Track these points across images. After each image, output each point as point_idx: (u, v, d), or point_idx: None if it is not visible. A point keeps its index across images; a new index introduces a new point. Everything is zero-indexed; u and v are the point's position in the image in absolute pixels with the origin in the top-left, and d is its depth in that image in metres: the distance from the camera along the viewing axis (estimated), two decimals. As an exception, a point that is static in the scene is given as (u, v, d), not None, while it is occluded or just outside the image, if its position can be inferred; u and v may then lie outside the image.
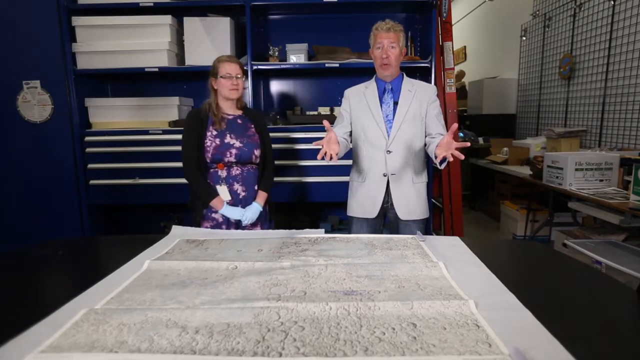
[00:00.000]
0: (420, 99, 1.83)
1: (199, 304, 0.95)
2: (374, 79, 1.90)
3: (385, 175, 1.83)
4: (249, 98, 2.72)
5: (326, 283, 1.08)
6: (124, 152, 2.73)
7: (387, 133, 1.81)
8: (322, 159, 1.53)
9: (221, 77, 1.80)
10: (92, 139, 2.75)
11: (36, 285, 1.17)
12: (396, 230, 1.89)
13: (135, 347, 0.77)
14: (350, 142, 1.92)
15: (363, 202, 1.87)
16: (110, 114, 2.84)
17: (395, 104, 1.83)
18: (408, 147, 1.81)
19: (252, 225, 1.89)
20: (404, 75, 1.90)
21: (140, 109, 2.85)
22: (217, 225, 1.85)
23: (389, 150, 1.81)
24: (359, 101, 1.87)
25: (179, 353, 0.75)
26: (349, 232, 1.93)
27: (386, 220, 1.95)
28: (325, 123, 1.58)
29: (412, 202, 1.85)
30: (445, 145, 1.50)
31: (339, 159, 1.69)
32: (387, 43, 1.76)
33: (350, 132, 1.91)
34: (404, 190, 1.83)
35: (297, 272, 1.16)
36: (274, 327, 0.84)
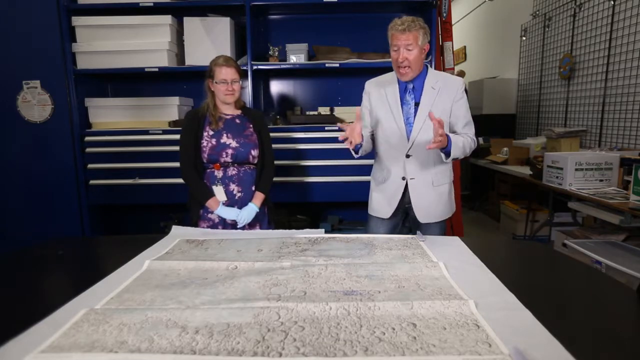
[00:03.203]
0: (444, 98, 1.69)
1: (199, 304, 0.95)
2: (395, 74, 1.75)
3: (404, 179, 1.74)
4: (249, 98, 2.72)
5: (326, 283, 1.08)
6: (124, 152, 2.73)
7: (407, 136, 1.71)
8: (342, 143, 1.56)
9: (216, 82, 1.79)
10: (92, 139, 2.75)
11: (36, 285, 1.17)
12: (416, 230, 1.80)
13: (135, 347, 0.77)
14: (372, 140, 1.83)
15: (382, 202, 1.81)
16: (110, 114, 2.84)
17: (417, 104, 1.70)
18: (429, 151, 1.67)
19: (250, 226, 1.87)
20: (428, 68, 1.75)
21: (140, 109, 2.84)
22: (213, 226, 1.84)
23: (408, 155, 1.71)
24: (380, 99, 1.75)
25: (179, 353, 0.75)
26: (367, 230, 1.88)
27: (406, 220, 1.89)
28: (357, 110, 1.59)
29: (432, 205, 1.76)
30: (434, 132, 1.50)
31: (361, 156, 1.73)
32: (404, 45, 1.60)
33: (372, 132, 1.81)
34: (423, 194, 1.74)
35: (297, 272, 1.16)
36: (274, 327, 0.84)
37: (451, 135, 1.60)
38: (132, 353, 0.76)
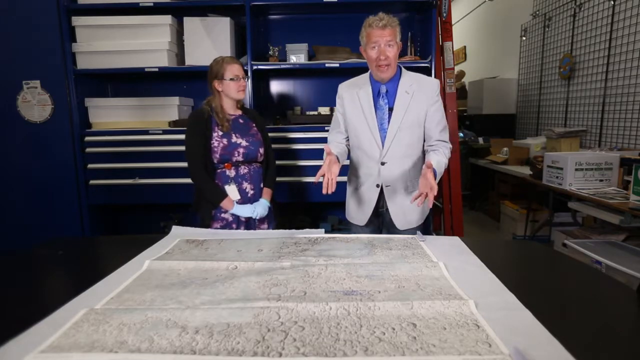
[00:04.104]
0: (418, 102, 1.63)
1: (199, 304, 0.95)
2: (368, 77, 1.71)
3: (378, 186, 1.70)
4: (249, 98, 2.72)
5: (326, 283, 1.08)
6: (124, 152, 2.73)
7: (381, 143, 1.66)
8: (325, 188, 1.48)
9: (231, 79, 1.81)
10: (92, 139, 2.75)
11: (36, 285, 1.17)
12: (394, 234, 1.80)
13: (135, 347, 0.77)
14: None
15: (357, 209, 1.78)
16: (110, 114, 2.84)
17: (390, 110, 1.64)
18: (404, 157, 1.68)
19: (260, 222, 1.93)
20: (402, 70, 1.69)
21: (140, 109, 2.85)
22: (227, 225, 1.86)
23: (383, 162, 1.67)
24: (353, 104, 1.70)
25: (179, 353, 0.75)
26: (349, 233, 1.88)
27: (383, 224, 1.86)
28: (326, 148, 1.55)
29: (408, 211, 1.71)
30: (423, 186, 1.45)
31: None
32: (384, 42, 1.55)
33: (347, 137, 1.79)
34: (399, 200, 1.71)
35: (297, 272, 1.16)
36: (274, 327, 0.84)
37: (435, 166, 1.51)
38: (132, 353, 0.76)
